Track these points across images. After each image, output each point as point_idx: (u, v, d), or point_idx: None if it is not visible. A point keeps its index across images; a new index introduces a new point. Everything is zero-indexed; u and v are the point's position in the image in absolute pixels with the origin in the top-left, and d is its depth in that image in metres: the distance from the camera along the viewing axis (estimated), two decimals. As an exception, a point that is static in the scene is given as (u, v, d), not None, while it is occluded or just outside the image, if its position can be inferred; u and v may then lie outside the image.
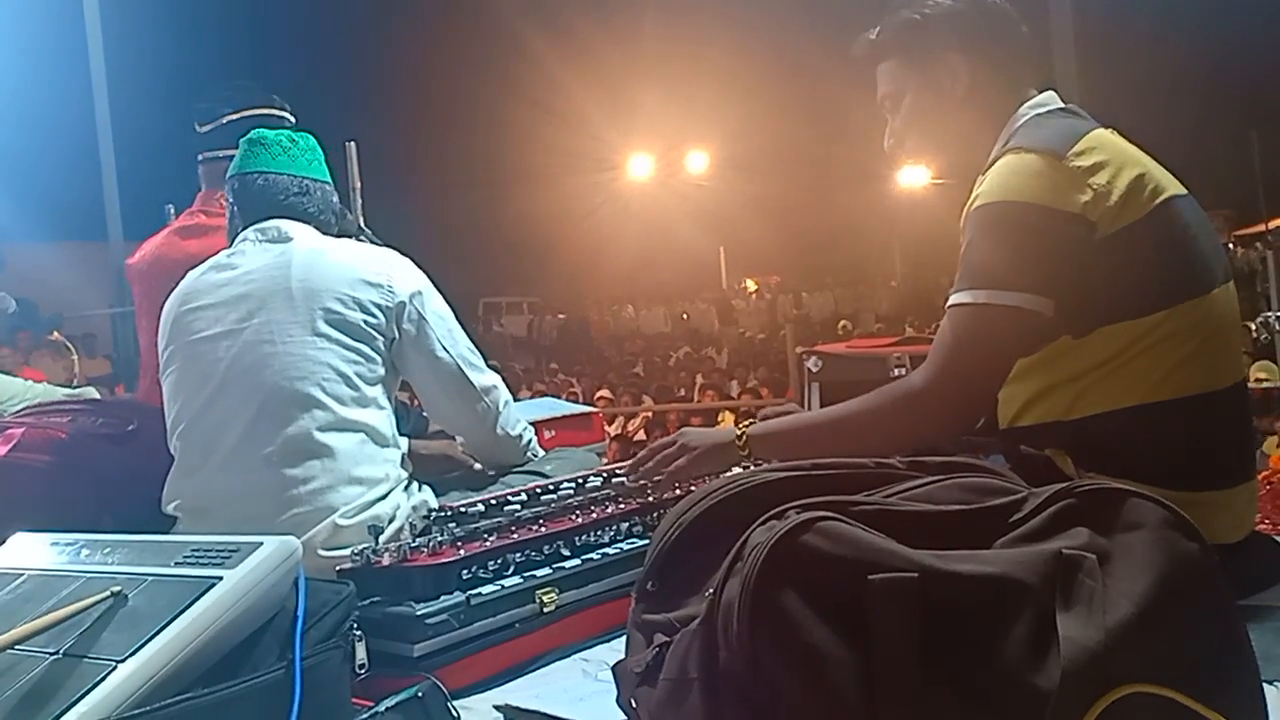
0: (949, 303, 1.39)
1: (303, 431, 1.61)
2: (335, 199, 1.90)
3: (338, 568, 1.42)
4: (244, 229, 1.80)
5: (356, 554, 1.41)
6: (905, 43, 1.54)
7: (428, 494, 1.74)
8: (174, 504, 1.70)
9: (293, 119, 2.33)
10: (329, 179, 1.90)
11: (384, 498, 1.65)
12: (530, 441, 1.97)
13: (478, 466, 1.97)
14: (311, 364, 1.64)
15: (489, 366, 1.90)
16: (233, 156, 1.91)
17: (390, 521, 1.62)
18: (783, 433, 1.52)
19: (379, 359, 1.71)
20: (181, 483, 1.70)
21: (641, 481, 1.64)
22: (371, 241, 2.47)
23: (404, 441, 1.78)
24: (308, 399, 1.62)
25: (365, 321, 1.69)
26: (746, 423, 1.55)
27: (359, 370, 1.67)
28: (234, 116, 2.29)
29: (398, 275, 1.75)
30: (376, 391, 1.70)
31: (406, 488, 1.71)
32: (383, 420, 1.70)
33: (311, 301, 1.67)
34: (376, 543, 1.43)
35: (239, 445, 1.63)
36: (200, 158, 2.36)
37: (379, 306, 1.70)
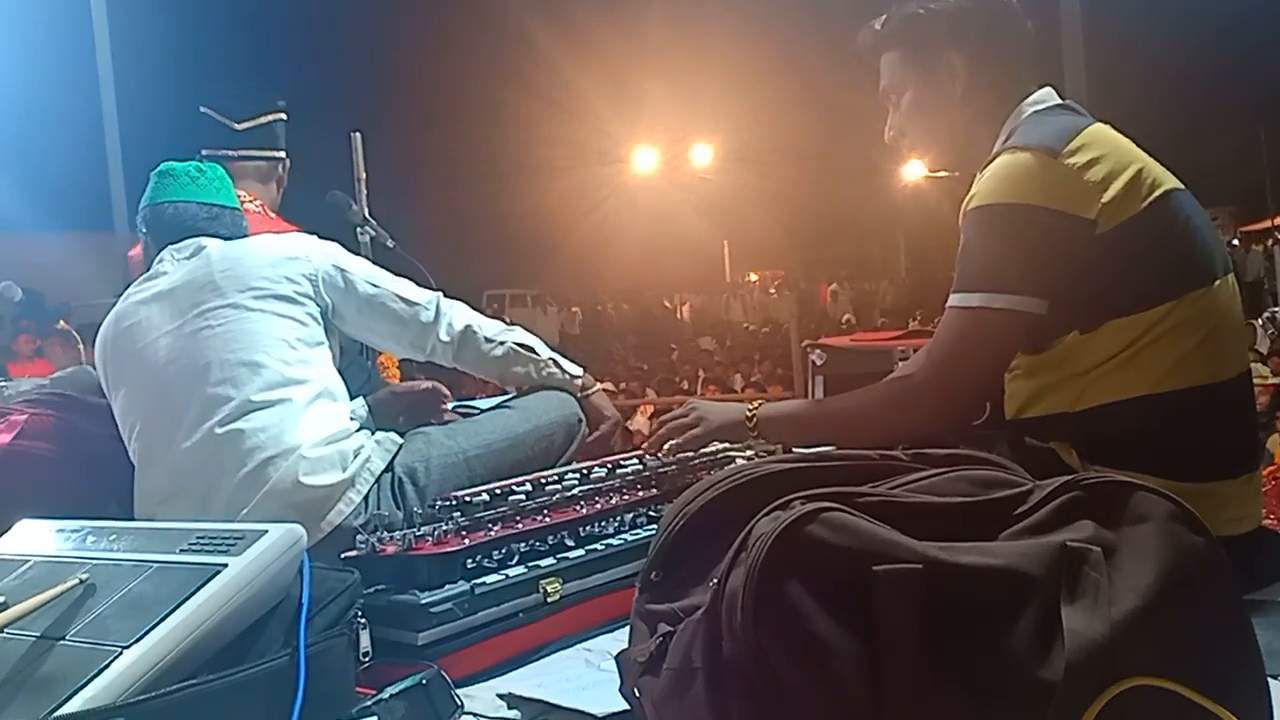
0: (947, 304, 1.41)
1: (254, 390, 1.65)
2: (245, 224, 1.94)
3: (342, 554, 1.42)
4: (158, 253, 1.84)
5: (362, 541, 1.41)
6: (908, 37, 1.54)
7: (391, 433, 1.77)
8: (145, 503, 1.69)
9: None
10: (237, 205, 1.95)
11: (347, 437, 1.69)
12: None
13: (423, 387, 2.04)
14: (250, 335, 1.69)
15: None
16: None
17: (356, 456, 1.66)
18: (790, 416, 1.59)
19: (314, 323, 1.76)
20: (146, 477, 1.71)
21: (661, 454, 1.69)
22: (376, 233, 2.48)
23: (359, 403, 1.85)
24: (253, 364, 1.67)
25: (295, 291, 1.75)
26: (756, 402, 1.60)
27: (298, 335, 1.73)
28: (269, 119, 2.34)
29: (313, 247, 1.83)
30: (318, 354, 1.75)
31: (371, 433, 1.75)
32: (330, 378, 1.75)
33: (238, 285, 1.73)
34: (378, 533, 1.43)
35: (194, 423, 1.66)
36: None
37: (303, 275, 1.77)
